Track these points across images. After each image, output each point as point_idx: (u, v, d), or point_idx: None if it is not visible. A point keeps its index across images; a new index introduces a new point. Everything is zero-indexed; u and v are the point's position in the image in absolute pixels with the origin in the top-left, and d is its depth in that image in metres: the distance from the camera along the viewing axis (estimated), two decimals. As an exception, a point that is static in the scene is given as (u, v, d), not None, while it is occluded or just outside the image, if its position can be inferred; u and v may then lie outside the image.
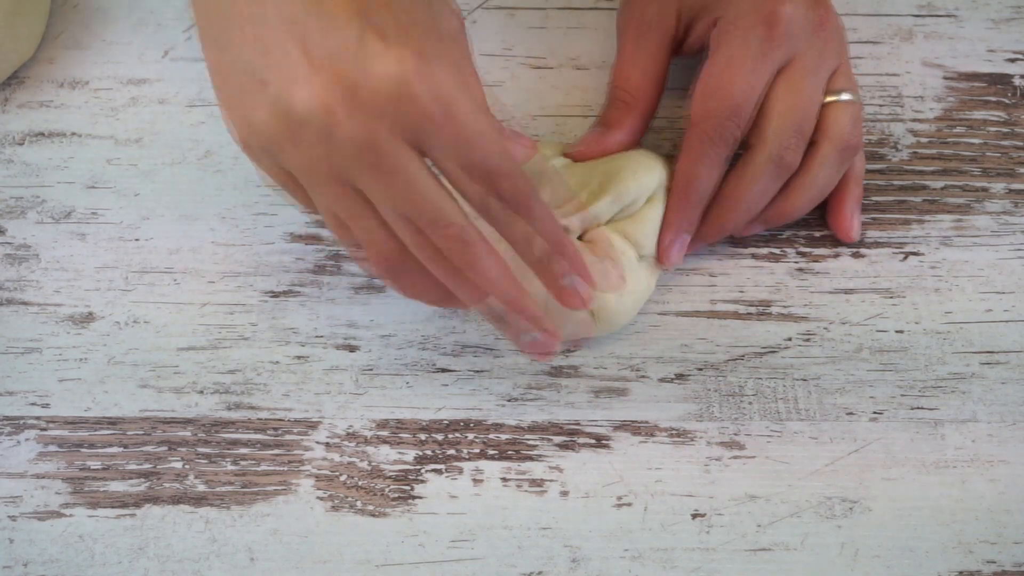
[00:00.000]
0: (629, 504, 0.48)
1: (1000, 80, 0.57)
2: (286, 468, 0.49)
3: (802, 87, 0.49)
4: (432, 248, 0.40)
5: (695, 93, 0.50)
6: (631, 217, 0.49)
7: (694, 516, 0.47)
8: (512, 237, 0.41)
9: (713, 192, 0.50)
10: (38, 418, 0.50)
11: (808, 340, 0.51)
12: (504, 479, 0.48)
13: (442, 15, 0.39)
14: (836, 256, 0.53)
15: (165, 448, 0.49)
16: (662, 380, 0.50)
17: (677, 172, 0.50)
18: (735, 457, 0.49)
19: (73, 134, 0.56)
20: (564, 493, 0.48)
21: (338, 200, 0.39)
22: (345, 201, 0.39)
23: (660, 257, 0.50)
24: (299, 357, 0.51)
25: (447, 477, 0.48)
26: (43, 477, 0.49)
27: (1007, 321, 0.51)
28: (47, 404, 0.50)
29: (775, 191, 0.50)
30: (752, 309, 0.52)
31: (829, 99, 0.50)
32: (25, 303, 0.52)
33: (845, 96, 0.50)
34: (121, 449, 0.49)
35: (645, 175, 0.49)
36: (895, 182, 0.54)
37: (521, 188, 0.40)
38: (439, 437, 0.49)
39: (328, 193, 0.39)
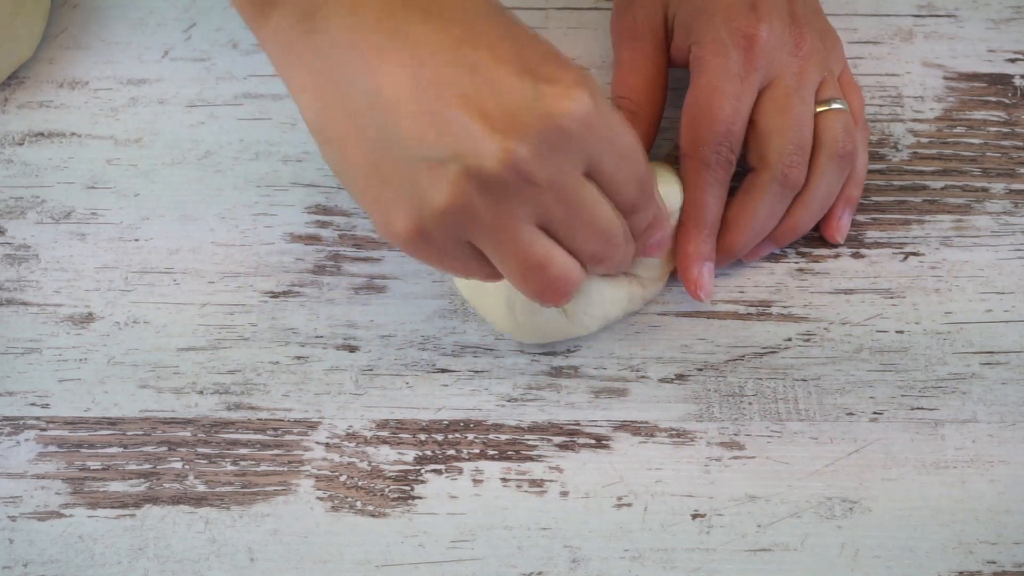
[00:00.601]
0: (629, 504, 0.48)
1: (1000, 80, 0.57)
2: (286, 468, 0.49)
3: (788, 104, 0.49)
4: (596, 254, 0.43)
5: (683, 122, 0.50)
6: None
7: (694, 516, 0.47)
8: (646, 226, 0.44)
9: (721, 214, 0.50)
10: (38, 418, 0.50)
11: (808, 340, 0.51)
12: (504, 479, 0.48)
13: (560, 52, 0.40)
14: (836, 256, 0.53)
15: (165, 448, 0.49)
16: (662, 380, 0.50)
17: (685, 205, 0.49)
18: (735, 457, 0.49)
19: (73, 134, 0.56)
20: (564, 493, 0.48)
21: (530, 246, 0.40)
22: (537, 245, 0.41)
23: (691, 289, 0.49)
24: (299, 357, 0.51)
25: (447, 477, 0.48)
26: (43, 477, 0.49)
27: (1007, 321, 0.51)
28: (47, 404, 0.50)
29: (783, 211, 0.50)
30: (752, 309, 0.52)
31: (820, 109, 0.50)
32: (25, 303, 0.52)
33: (836, 105, 0.50)
34: (121, 449, 0.49)
35: (664, 187, 0.48)
36: (895, 182, 0.54)
37: (652, 185, 0.43)
38: (439, 437, 0.49)
39: (518, 242, 0.40)
